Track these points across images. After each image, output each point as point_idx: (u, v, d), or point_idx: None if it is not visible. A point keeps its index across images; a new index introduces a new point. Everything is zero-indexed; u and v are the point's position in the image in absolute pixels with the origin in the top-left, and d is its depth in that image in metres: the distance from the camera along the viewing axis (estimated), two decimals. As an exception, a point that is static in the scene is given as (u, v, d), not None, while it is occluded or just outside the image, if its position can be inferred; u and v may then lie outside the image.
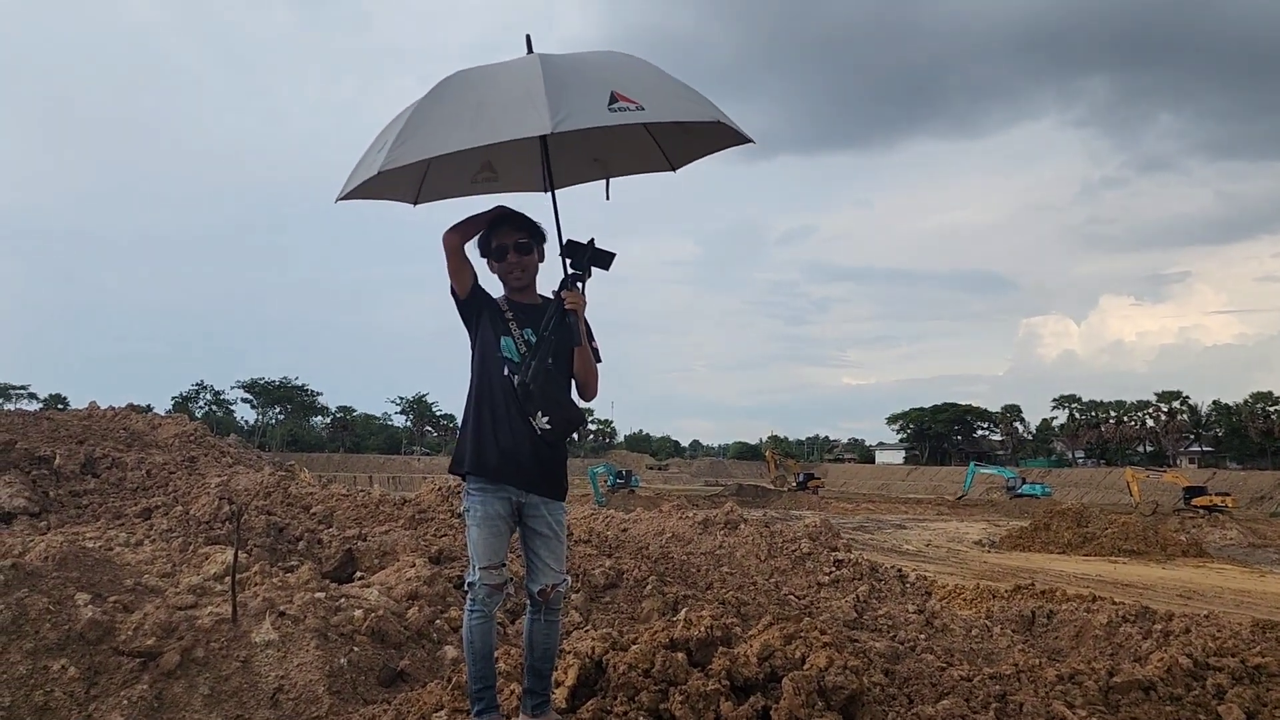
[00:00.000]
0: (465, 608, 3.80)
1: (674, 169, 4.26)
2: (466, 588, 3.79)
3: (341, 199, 3.69)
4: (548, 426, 3.73)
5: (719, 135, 3.97)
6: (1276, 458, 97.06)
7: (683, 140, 4.14)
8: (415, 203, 4.15)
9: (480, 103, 3.37)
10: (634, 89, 3.32)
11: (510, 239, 3.85)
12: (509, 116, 3.26)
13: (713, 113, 3.54)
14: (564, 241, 3.74)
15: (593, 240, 3.74)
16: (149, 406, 22.41)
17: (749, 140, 3.86)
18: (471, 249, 3.89)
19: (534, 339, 3.77)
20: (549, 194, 3.81)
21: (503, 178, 4.25)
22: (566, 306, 3.71)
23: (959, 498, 71.62)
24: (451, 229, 3.75)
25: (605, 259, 3.77)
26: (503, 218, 3.89)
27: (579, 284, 3.75)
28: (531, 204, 4.02)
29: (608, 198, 4.17)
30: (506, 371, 3.77)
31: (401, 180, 3.89)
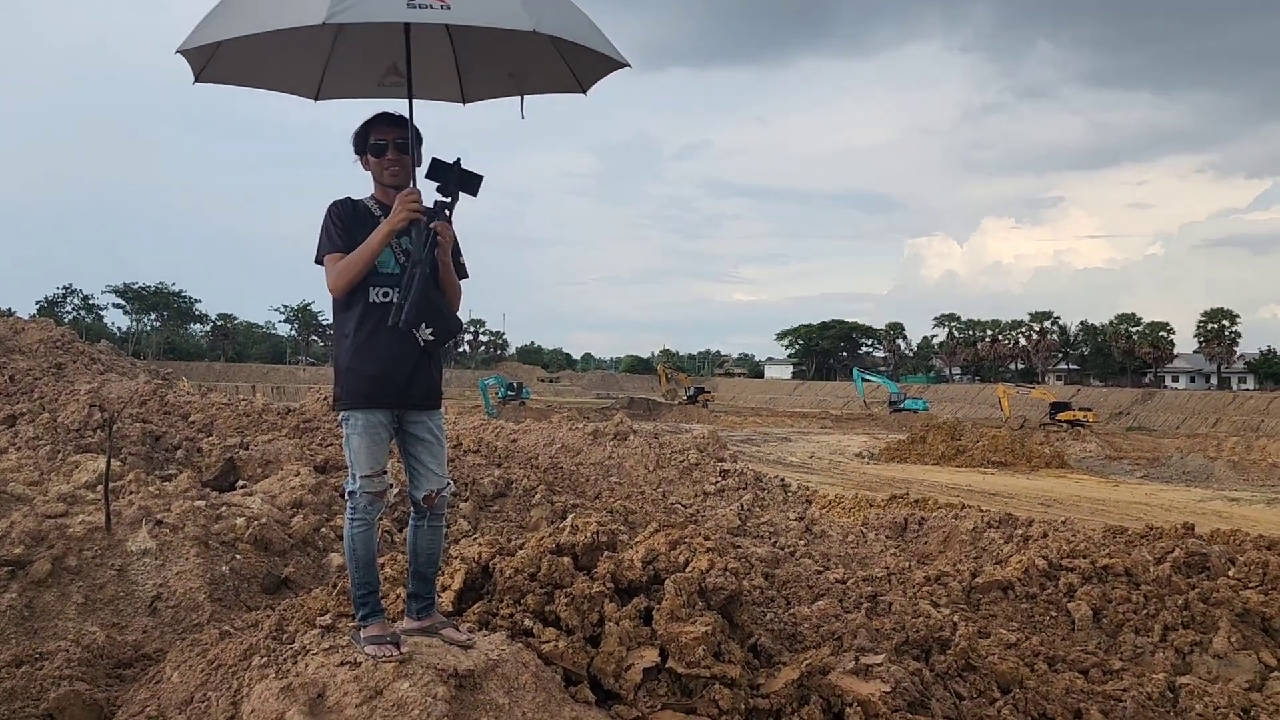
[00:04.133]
0: (346, 516, 3.78)
1: (584, 91, 4.09)
2: (347, 496, 3.76)
3: (201, 81, 3.56)
4: (431, 338, 3.66)
5: (611, 58, 3.81)
6: (1136, 376, 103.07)
7: (593, 60, 3.91)
8: (316, 98, 3.99)
9: None
10: None
11: (390, 135, 3.73)
12: (288, 3, 3.12)
13: (529, 21, 3.16)
14: (430, 162, 3.60)
15: (459, 160, 3.60)
16: (10, 311, 21.18)
17: (625, 64, 3.77)
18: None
19: (411, 247, 3.62)
20: (408, 100, 3.66)
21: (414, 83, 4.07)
22: (439, 240, 3.62)
23: (864, 405, 74.00)
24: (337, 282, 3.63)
25: (473, 183, 3.63)
26: (381, 115, 3.78)
27: (447, 211, 3.62)
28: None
29: (523, 117, 4.05)
30: (384, 286, 3.66)
31: (295, 71, 3.72)
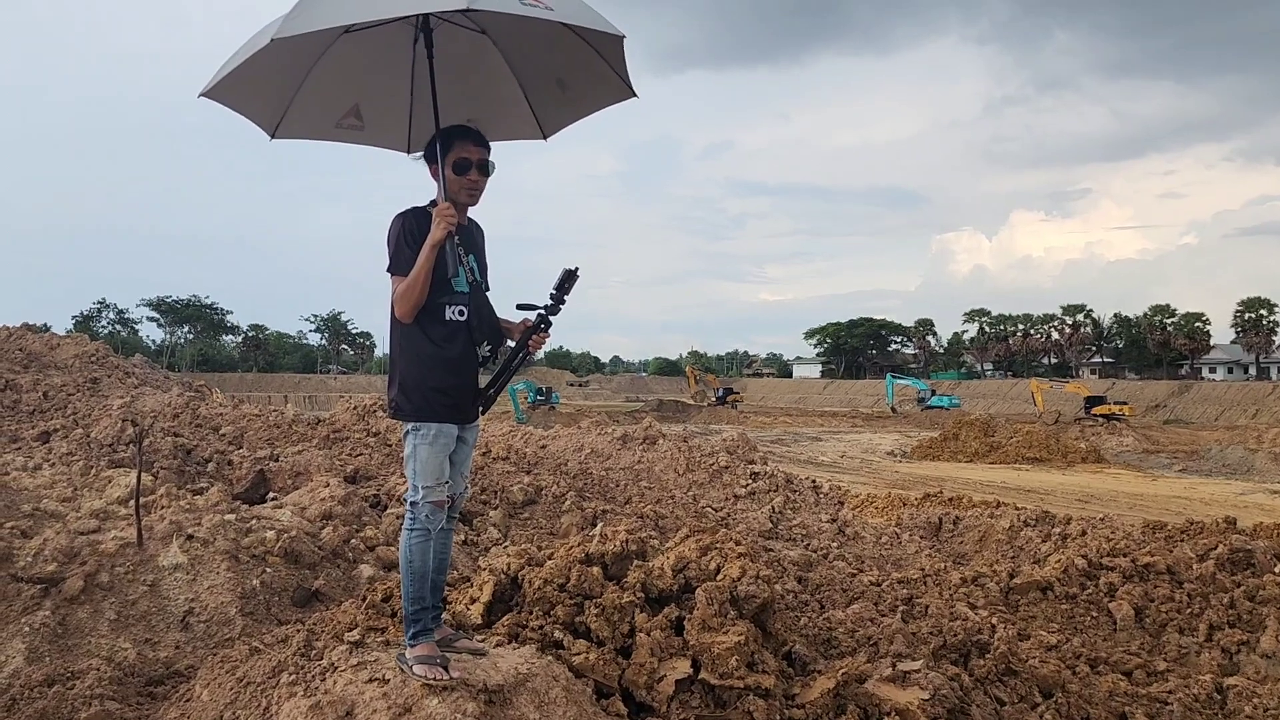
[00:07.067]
0: (405, 527, 3.74)
1: (545, 137, 4.27)
2: (408, 507, 3.73)
3: (205, 94, 3.57)
4: (488, 354, 3.84)
5: (598, 95, 4.05)
6: (1172, 368, 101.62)
7: (559, 101, 4.15)
8: (273, 136, 3.98)
9: None
10: None
11: (476, 155, 3.75)
12: None
13: (614, 27, 3.52)
14: (562, 273, 3.69)
15: (577, 269, 3.72)
16: (46, 326, 21.45)
17: (632, 94, 3.92)
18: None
19: (475, 265, 3.77)
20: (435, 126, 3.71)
21: (368, 128, 4.12)
22: (530, 348, 3.76)
23: (892, 410, 73.45)
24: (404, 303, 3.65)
25: (574, 283, 3.76)
26: (465, 129, 3.77)
27: (552, 318, 3.74)
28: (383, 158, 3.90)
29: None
30: (459, 304, 3.73)
31: (269, 100, 3.72)
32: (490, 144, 3.83)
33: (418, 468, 3.68)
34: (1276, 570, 7.49)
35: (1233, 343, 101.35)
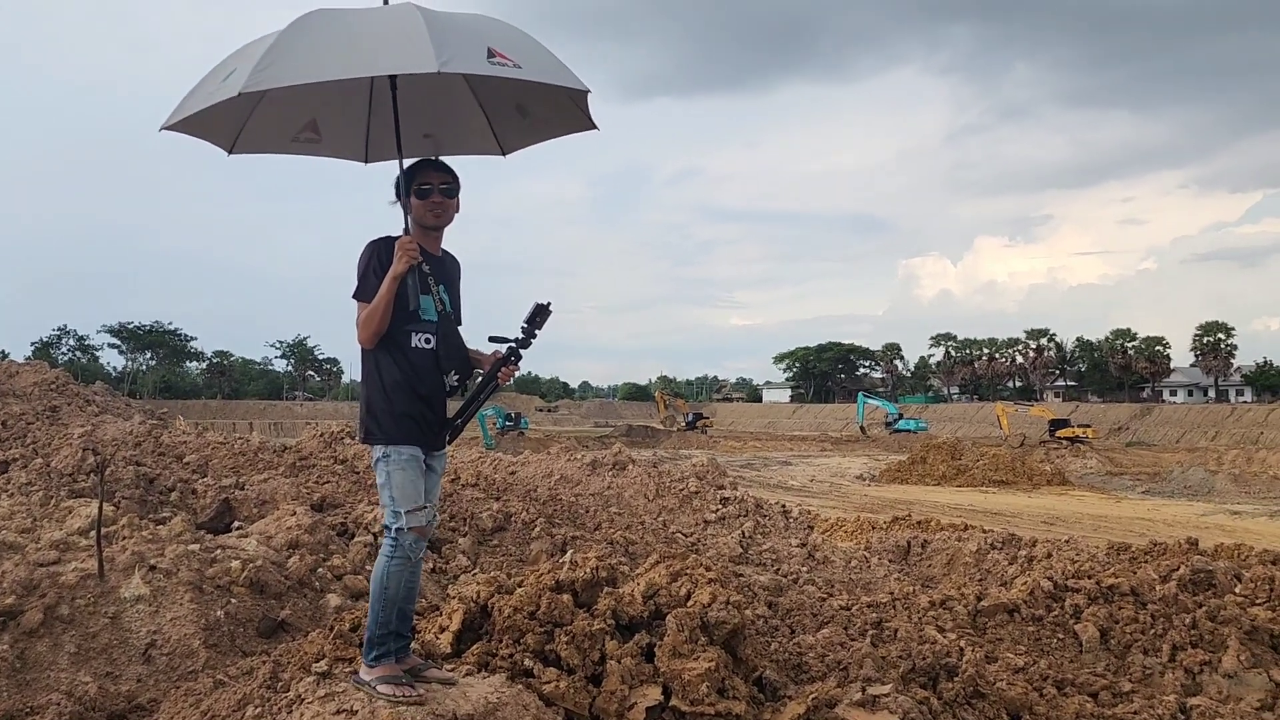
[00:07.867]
0: (384, 552, 3.69)
1: (504, 154, 4.34)
2: (394, 534, 3.68)
3: (166, 128, 3.59)
4: (455, 383, 3.85)
5: (558, 123, 4.14)
6: (1134, 390, 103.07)
7: (519, 125, 4.22)
8: (230, 151, 3.98)
9: (354, 37, 3.35)
10: (509, 49, 3.40)
11: (438, 179, 3.83)
12: (391, 52, 3.27)
13: (581, 83, 3.65)
14: (534, 307, 3.79)
15: (549, 303, 3.81)
16: (4, 353, 21.15)
17: (593, 127, 4.02)
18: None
19: (447, 295, 3.81)
20: (398, 159, 3.79)
21: (325, 141, 4.16)
22: (499, 380, 3.83)
23: (862, 430, 73.92)
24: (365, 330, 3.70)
25: (546, 318, 3.84)
26: (427, 161, 3.88)
27: (522, 351, 3.81)
28: (350, 170, 3.96)
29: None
30: (426, 332, 3.76)
31: (225, 121, 3.74)
32: (455, 171, 3.89)
33: (395, 493, 3.66)
34: (1237, 590, 7.60)
35: (1192, 366, 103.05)
